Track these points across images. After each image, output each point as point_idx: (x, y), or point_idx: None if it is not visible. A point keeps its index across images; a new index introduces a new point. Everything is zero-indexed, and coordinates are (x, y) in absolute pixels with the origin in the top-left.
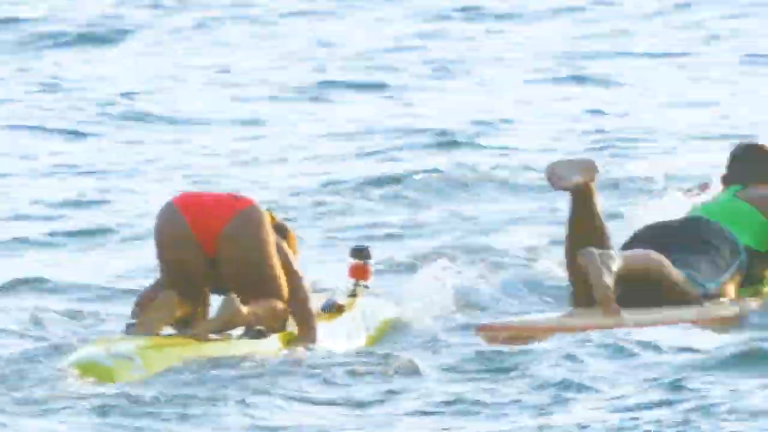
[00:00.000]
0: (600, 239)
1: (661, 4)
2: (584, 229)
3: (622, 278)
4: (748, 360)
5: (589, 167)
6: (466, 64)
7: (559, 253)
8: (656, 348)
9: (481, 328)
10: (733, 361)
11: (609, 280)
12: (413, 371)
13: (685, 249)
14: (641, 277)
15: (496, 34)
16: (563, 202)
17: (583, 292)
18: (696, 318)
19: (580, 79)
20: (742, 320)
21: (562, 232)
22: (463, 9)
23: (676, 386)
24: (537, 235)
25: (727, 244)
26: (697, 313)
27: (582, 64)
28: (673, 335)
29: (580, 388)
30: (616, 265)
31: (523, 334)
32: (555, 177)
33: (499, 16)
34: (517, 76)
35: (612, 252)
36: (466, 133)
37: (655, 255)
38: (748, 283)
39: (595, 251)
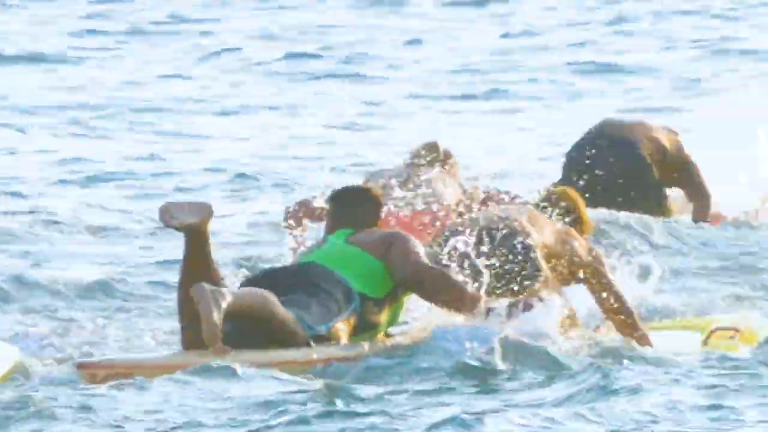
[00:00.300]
0: (213, 279)
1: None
2: (198, 269)
3: (232, 316)
4: (348, 403)
5: (203, 209)
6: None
7: (136, 291)
8: (256, 387)
9: (80, 366)
10: (332, 403)
11: (218, 317)
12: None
13: (297, 292)
14: (251, 315)
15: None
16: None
17: (196, 330)
18: (302, 359)
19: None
20: (349, 363)
21: (121, 271)
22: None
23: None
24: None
25: (339, 288)
26: (303, 354)
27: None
28: (276, 375)
29: (173, 427)
30: (226, 302)
31: (125, 372)
32: (167, 216)
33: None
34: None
35: (224, 289)
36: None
37: (265, 294)
38: (362, 329)
39: (207, 287)
